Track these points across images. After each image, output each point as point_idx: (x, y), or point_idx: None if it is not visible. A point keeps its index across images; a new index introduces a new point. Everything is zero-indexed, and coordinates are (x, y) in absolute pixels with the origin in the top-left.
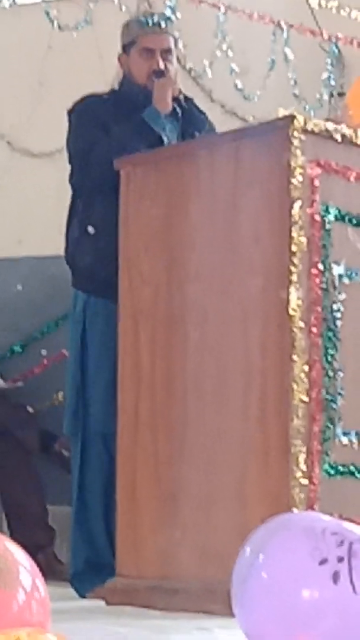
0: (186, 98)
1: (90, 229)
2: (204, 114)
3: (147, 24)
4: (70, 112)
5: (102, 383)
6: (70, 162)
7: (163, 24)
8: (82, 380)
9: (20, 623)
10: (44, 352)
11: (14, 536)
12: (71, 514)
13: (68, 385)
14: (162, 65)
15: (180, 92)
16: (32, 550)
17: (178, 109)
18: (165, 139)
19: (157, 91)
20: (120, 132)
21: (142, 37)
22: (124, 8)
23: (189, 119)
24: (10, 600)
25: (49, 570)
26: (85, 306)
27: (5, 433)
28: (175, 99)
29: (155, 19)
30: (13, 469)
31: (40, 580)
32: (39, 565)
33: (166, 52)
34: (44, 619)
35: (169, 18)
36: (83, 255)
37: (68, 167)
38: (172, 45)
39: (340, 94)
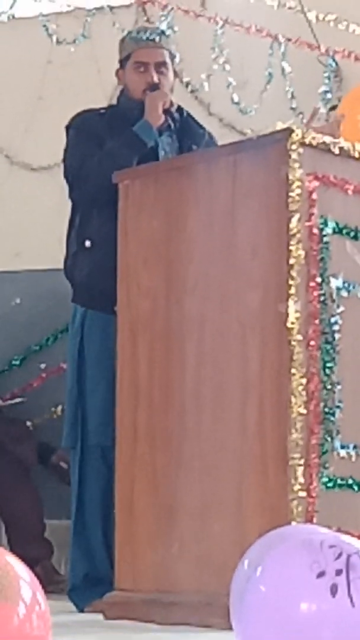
0: (184, 112)
1: (87, 243)
2: (203, 128)
3: (141, 38)
4: (67, 127)
5: (99, 395)
6: (66, 178)
7: (157, 39)
8: (80, 393)
9: (21, 637)
10: (42, 365)
11: (12, 550)
12: (70, 527)
13: (67, 399)
14: (155, 79)
15: (172, 104)
16: (30, 564)
17: (172, 123)
18: (162, 153)
19: (148, 104)
20: (111, 145)
21: (136, 52)
22: (121, 22)
23: (186, 132)
24: (11, 613)
25: (48, 582)
26: (83, 320)
27: (3, 448)
28: (168, 112)
29: (149, 33)
30: (11, 484)
31: (40, 594)
32: (37, 577)
33: (160, 65)
34: (44, 633)
35: (163, 32)
36: (80, 269)
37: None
38: (167, 59)
39: (336, 107)
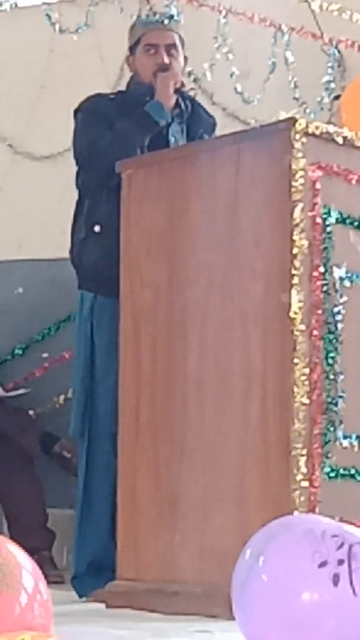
0: (193, 100)
1: (97, 228)
2: (212, 117)
3: (150, 21)
4: (76, 111)
5: (110, 382)
6: (76, 161)
7: (167, 22)
8: (91, 381)
9: (22, 626)
10: (45, 355)
11: (13, 539)
12: (75, 515)
13: (76, 386)
14: (166, 60)
15: (183, 85)
16: (29, 554)
17: (183, 107)
18: (172, 140)
19: (159, 84)
20: (123, 125)
21: (145, 34)
22: (125, 11)
23: (196, 120)
24: (13, 602)
25: (44, 573)
26: (92, 306)
27: (6, 438)
28: (179, 94)
29: (158, 16)
30: (13, 474)
31: (42, 583)
32: None
33: (170, 47)
34: (46, 622)
35: (172, 16)
36: (89, 255)
37: (69, 170)
38: (177, 42)
39: (339, 97)
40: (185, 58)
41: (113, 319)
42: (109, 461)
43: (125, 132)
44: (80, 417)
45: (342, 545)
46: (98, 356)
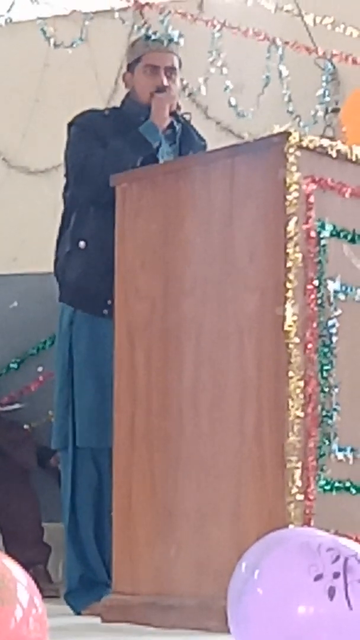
0: (187, 122)
1: (82, 244)
2: (204, 140)
3: (153, 42)
4: (70, 125)
5: (88, 397)
6: (66, 174)
7: (166, 43)
8: (69, 394)
9: (17, 639)
10: (39, 368)
11: (9, 554)
12: (64, 530)
13: (56, 400)
14: (165, 82)
15: (179, 108)
16: (24, 567)
17: (176, 127)
18: (161, 161)
19: (155, 105)
20: (116, 144)
21: (146, 55)
22: (119, 26)
23: (187, 141)
24: (8, 616)
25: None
26: (71, 320)
27: (1, 452)
28: (174, 115)
29: (160, 37)
30: (9, 488)
31: (37, 597)
32: None
33: (169, 70)
34: (41, 636)
35: (172, 39)
36: (72, 269)
37: (64, 183)
38: (176, 65)
39: (335, 110)
40: (181, 80)
41: (92, 335)
42: (91, 475)
43: (119, 151)
44: (60, 429)
45: (337, 558)
46: (76, 370)
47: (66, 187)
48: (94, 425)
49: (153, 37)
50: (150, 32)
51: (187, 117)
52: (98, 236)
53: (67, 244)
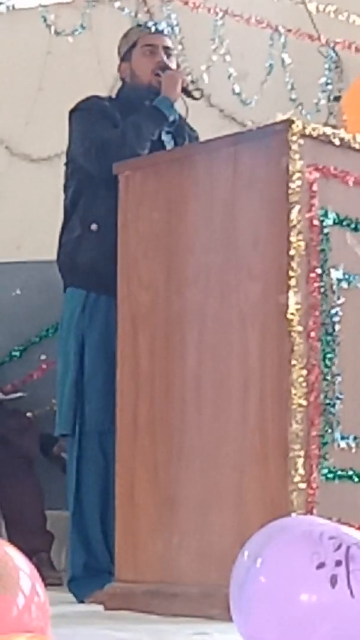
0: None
1: (94, 226)
2: (195, 131)
3: (146, 26)
4: (73, 111)
5: (99, 379)
6: (69, 161)
7: (160, 28)
8: (80, 378)
9: (19, 628)
10: (42, 356)
11: (12, 542)
12: (69, 517)
13: (65, 384)
14: (172, 63)
15: (188, 84)
16: (27, 555)
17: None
18: (168, 147)
19: (166, 80)
20: (134, 118)
21: (142, 37)
22: (121, 13)
23: (181, 131)
24: (10, 604)
25: (40, 576)
26: (84, 304)
27: (4, 440)
28: (185, 92)
29: (152, 24)
30: (12, 476)
31: (40, 585)
32: None
33: (167, 50)
34: (43, 624)
35: (162, 30)
36: (86, 252)
37: (66, 170)
38: (172, 46)
39: (338, 98)
40: (178, 65)
41: (107, 317)
42: (99, 460)
43: (139, 124)
44: (68, 414)
45: (339, 546)
46: (88, 354)
47: (73, 173)
48: (104, 409)
49: (148, 24)
50: (139, 25)
51: (196, 94)
52: (110, 218)
53: (77, 228)
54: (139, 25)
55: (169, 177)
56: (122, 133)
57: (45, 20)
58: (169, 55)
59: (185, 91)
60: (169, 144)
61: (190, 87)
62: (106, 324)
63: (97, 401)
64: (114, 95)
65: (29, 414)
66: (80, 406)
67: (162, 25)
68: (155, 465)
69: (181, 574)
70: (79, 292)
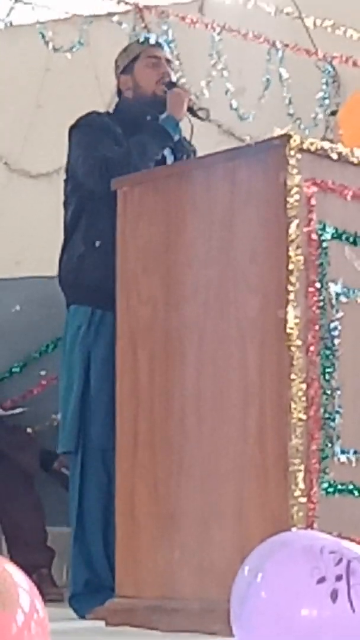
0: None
1: (97, 243)
2: (192, 145)
3: (147, 40)
4: (73, 127)
5: (105, 396)
6: (69, 178)
7: (161, 42)
8: (85, 395)
9: None
10: (42, 372)
11: (12, 557)
12: (71, 534)
13: (69, 401)
14: (172, 76)
15: (194, 103)
16: (28, 571)
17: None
18: (168, 160)
19: (173, 99)
20: (140, 137)
21: (146, 50)
22: (119, 29)
23: (180, 147)
24: (10, 621)
25: (41, 593)
26: (90, 320)
27: (4, 456)
28: (190, 111)
29: (153, 38)
30: (12, 492)
31: (39, 602)
32: None
33: (168, 62)
34: None
35: (161, 43)
36: (91, 269)
37: (65, 187)
38: (171, 59)
39: (335, 113)
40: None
41: (113, 334)
42: (102, 477)
43: (144, 143)
44: (71, 431)
45: (340, 561)
46: (94, 371)
47: (74, 190)
48: (109, 426)
49: (148, 38)
50: (145, 37)
51: (202, 114)
52: (113, 235)
53: (80, 245)
54: (138, 41)
55: (167, 192)
56: (126, 152)
57: (43, 36)
58: (171, 67)
59: (191, 110)
60: (169, 159)
61: (195, 107)
62: (112, 341)
63: (102, 418)
64: (111, 110)
65: (29, 430)
66: (84, 423)
67: (161, 39)
68: (155, 481)
69: (182, 589)
70: (83, 308)
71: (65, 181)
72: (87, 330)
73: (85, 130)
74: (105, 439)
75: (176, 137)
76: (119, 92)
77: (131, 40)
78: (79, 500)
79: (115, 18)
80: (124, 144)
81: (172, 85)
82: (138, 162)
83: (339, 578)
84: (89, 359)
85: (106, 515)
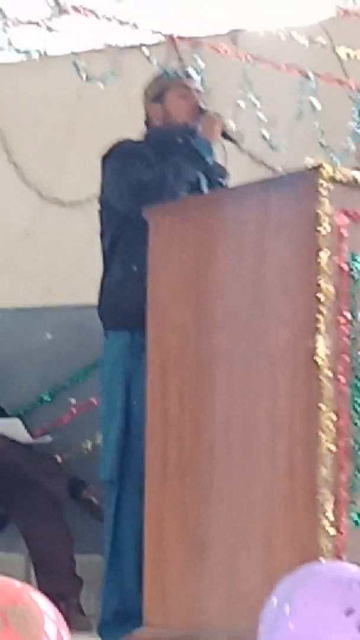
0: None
1: (135, 267)
2: (221, 166)
3: (177, 74)
4: (106, 157)
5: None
6: (110, 202)
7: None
8: (127, 422)
9: None
10: (72, 400)
11: (40, 586)
12: (103, 562)
13: (110, 429)
14: (203, 106)
15: (227, 129)
16: (56, 600)
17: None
18: (204, 188)
19: (207, 123)
20: (174, 160)
21: (177, 81)
22: (152, 60)
23: (214, 171)
24: None
25: (69, 621)
26: (130, 346)
27: (34, 484)
28: (224, 136)
29: (183, 69)
30: (42, 520)
31: (65, 631)
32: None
33: (198, 93)
34: None
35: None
36: (130, 295)
37: (97, 216)
38: (202, 91)
39: None
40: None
41: None
42: (138, 505)
43: (179, 166)
44: (115, 458)
45: None
46: (135, 398)
47: (109, 219)
48: None
49: (177, 72)
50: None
51: (236, 138)
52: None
53: (118, 271)
54: (167, 72)
55: (198, 221)
56: (161, 175)
57: (76, 66)
58: (202, 99)
59: (225, 135)
60: (203, 182)
61: (230, 132)
62: None
63: (142, 446)
64: (142, 138)
65: (58, 458)
66: (124, 451)
67: (192, 69)
68: (184, 508)
69: (210, 619)
70: (123, 334)
71: (100, 212)
72: (127, 356)
73: (118, 157)
74: (144, 467)
75: (210, 161)
76: (147, 121)
77: (163, 71)
78: (114, 527)
79: (149, 49)
80: (157, 168)
81: (203, 111)
82: (173, 185)
83: None
84: (130, 386)
85: (141, 544)
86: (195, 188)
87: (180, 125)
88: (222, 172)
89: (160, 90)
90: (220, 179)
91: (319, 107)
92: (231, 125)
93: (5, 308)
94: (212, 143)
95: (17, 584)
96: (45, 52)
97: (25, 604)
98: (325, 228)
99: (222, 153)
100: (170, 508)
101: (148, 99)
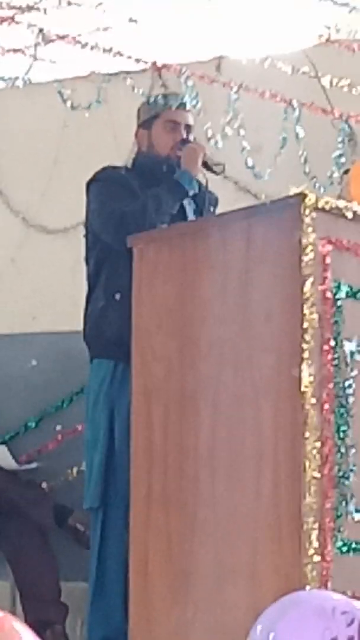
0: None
1: (117, 296)
2: (213, 194)
3: (172, 99)
4: (91, 182)
5: (129, 452)
6: (88, 233)
7: (186, 102)
8: (111, 451)
9: None
10: (58, 427)
11: (26, 613)
12: (88, 589)
13: (94, 457)
14: (189, 138)
15: (209, 158)
16: (42, 627)
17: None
18: (190, 218)
19: (188, 154)
20: (155, 191)
21: (166, 111)
22: (137, 87)
23: (202, 196)
24: None
25: None
26: (112, 375)
27: (20, 511)
28: (205, 165)
29: (179, 97)
30: (27, 547)
31: None
32: None
33: (188, 128)
34: None
35: (185, 103)
36: (112, 323)
37: (82, 243)
38: (192, 123)
39: (348, 172)
40: (194, 139)
41: None
42: (123, 533)
43: (159, 197)
44: (97, 486)
45: (352, 621)
46: (118, 426)
47: (94, 244)
48: None
49: (172, 97)
50: (165, 95)
51: (217, 169)
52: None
53: (101, 298)
54: (164, 96)
55: (182, 249)
56: (142, 206)
57: (61, 94)
58: (188, 133)
59: (206, 165)
60: (190, 209)
61: (211, 162)
62: None
63: (126, 474)
64: (129, 165)
65: (43, 485)
66: (108, 479)
67: (186, 99)
68: (168, 538)
69: None
70: (106, 362)
71: (85, 236)
72: (110, 384)
73: (102, 185)
74: (128, 495)
75: (191, 192)
76: (135, 142)
77: (151, 96)
78: (99, 555)
79: (128, 80)
80: (141, 197)
81: (186, 142)
82: (153, 216)
83: (350, 639)
84: (113, 414)
85: (126, 571)
86: (180, 216)
87: (162, 158)
88: (214, 200)
89: (150, 116)
90: (211, 207)
91: (303, 135)
92: (213, 154)
93: None
94: (194, 174)
95: None
96: (29, 80)
97: (6, 634)
98: (309, 256)
99: (203, 180)
100: (154, 537)
101: (138, 120)
